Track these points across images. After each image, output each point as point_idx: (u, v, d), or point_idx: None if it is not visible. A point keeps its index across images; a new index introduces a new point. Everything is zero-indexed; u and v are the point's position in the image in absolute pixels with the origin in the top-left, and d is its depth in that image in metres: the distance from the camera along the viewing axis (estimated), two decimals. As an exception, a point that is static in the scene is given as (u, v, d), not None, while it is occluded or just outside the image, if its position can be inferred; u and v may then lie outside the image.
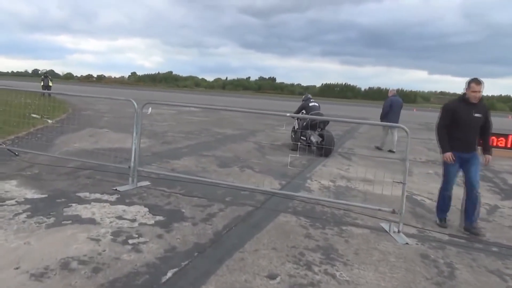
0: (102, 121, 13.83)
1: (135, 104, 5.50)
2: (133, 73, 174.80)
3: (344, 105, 61.02)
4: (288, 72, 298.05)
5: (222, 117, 19.32)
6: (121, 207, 4.50)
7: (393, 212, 4.49)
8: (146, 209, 4.50)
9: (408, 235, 4.37)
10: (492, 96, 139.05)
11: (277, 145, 10.73)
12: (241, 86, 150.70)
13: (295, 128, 10.22)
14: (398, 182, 4.71)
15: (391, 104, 10.97)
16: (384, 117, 10.92)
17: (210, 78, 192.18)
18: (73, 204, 4.47)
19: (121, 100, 6.36)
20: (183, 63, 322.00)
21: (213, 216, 4.47)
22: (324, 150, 9.07)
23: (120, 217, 4.17)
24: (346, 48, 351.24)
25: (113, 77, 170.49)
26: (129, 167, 5.44)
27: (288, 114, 6.19)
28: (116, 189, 5.18)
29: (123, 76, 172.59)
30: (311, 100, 10.11)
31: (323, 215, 4.86)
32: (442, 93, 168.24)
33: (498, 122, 35.87)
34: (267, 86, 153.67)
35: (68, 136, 9.25)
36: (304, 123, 9.77)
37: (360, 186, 6.45)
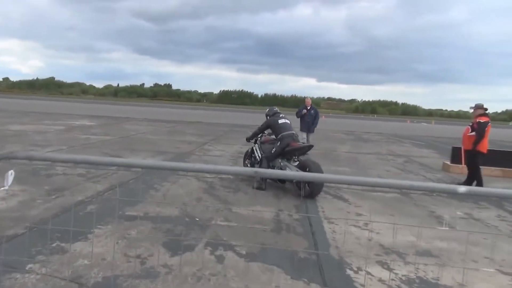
0: None
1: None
2: (5, 79, 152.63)
3: (243, 111, 59.49)
4: (185, 79, 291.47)
5: (126, 133, 15.26)
6: None
7: None
8: None
9: None
10: (374, 101, 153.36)
11: (229, 180, 7.48)
12: (135, 93, 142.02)
13: (258, 156, 7.11)
14: None
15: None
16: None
17: (100, 84, 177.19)
18: None
19: None
20: (69, 69, 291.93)
21: None
22: (312, 189, 6.14)
23: None
24: (243, 56, 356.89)
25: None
26: None
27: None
28: None
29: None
30: (280, 116, 7.11)
31: None
32: (329, 98, 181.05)
33: (399, 127, 37.19)
34: (162, 93, 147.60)
35: None
36: (274, 150, 6.73)
37: (439, 275, 3.63)
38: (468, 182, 8.25)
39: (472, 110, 8.32)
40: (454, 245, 4.52)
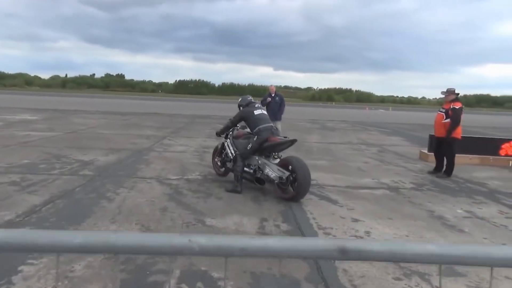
0: None
1: None
2: None
3: (201, 101, 57.68)
4: (139, 69, 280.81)
5: (74, 127, 13.68)
6: None
7: None
8: None
9: None
10: (329, 89, 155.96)
11: (197, 181, 6.44)
12: (85, 84, 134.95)
13: (231, 153, 6.12)
14: None
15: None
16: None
17: (46, 75, 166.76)
18: None
19: None
20: (10, 59, 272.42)
21: None
22: (297, 191, 5.27)
23: None
24: (199, 45, 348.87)
25: None
26: None
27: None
28: None
29: None
30: (256, 106, 6.14)
31: None
32: (286, 87, 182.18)
33: (359, 114, 37.09)
34: (115, 84, 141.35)
35: None
36: (250, 145, 5.77)
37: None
38: (438, 170, 7.92)
39: (444, 96, 7.81)
40: (476, 256, 3.81)
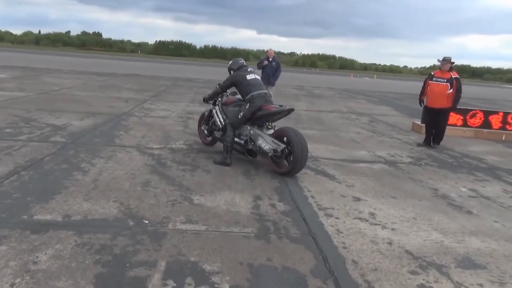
0: None
1: None
2: None
3: (182, 63, 55.76)
4: (117, 28, 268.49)
5: (47, 88, 12.73)
6: None
7: None
8: None
9: None
10: (313, 55, 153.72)
11: (182, 151, 5.90)
12: (59, 41, 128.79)
13: (220, 121, 5.57)
14: None
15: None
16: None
17: (18, 31, 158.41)
18: None
19: None
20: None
21: None
22: (293, 165, 4.82)
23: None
24: (180, 4, 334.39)
25: None
26: None
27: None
28: None
29: None
30: (248, 70, 5.53)
31: None
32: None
33: (344, 81, 36.43)
34: (92, 42, 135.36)
35: None
36: (241, 114, 5.23)
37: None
38: (428, 142, 7.75)
39: (440, 64, 7.43)
40: (492, 244, 3.49)
